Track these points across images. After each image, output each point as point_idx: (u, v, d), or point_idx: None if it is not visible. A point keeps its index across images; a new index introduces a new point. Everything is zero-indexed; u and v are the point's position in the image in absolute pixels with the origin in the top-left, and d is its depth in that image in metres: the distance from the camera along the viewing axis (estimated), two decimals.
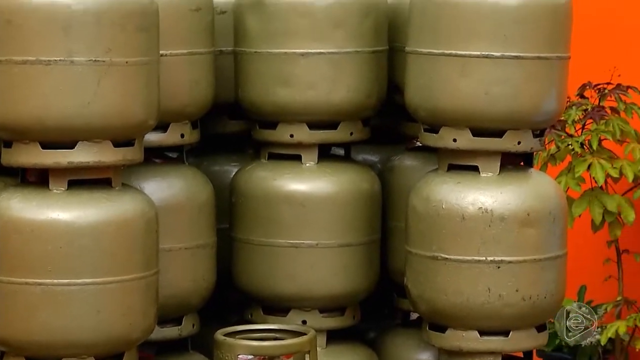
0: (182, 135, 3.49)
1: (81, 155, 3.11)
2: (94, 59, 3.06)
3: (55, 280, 3.09)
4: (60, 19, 3.03)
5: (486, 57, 3.30)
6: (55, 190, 3.15)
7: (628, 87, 5.33)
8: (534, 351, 3.61)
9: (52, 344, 3.13)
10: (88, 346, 3.14)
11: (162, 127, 3.41)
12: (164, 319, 3.43)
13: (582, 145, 5.29)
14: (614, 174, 5.13)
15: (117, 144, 3.16)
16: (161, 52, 3.25)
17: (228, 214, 3.67)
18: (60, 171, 3.14)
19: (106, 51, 3.07)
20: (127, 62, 3.10)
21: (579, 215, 5.20)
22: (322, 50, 3.49)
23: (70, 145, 3.11)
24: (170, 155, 3.60)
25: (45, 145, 3.11)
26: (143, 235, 3.20)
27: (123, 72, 3.10)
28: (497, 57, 3.30)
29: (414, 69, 3.44)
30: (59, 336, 3.12)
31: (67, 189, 3.15)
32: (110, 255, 3.13)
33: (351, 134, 3.62)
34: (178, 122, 3.48)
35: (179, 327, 3.53)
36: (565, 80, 3.43)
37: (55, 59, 3.04)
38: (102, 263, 3.12)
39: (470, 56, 3.30)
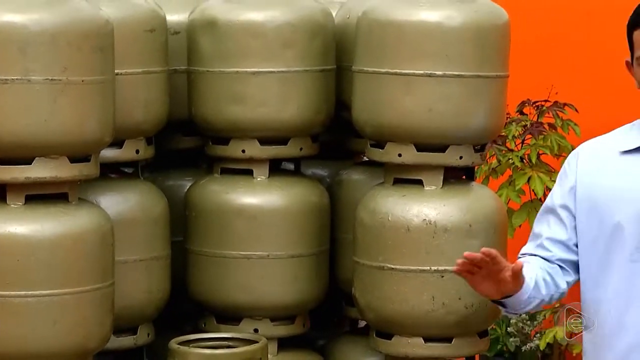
0: (137, 151, 3.46)
1: (38, 171, 3.08)
2: (50, 78, 3.03)
3: (13, 292, 3.05)
4: (17, 39, 3.00)
5: (429, 75, 3.30)
6: (12, 205, 3.11)
7: (564, 104, 5.36)
8: (477, 356, 3.61)
9: (10, 354, 3.08)
10: (46, 356, 3.10)
11: (117, 143, 3.37)
12: (119, 329, 3.39)
13: (521, 159, 5.32)
14: (552, 186, 5.15)
15: (73, 159, 3.12)
16: (117, 71, 3.22)
17: (182, 227, 3.64)
18: (17, 186, 3.10)
19: (62, 70, 3.04)
20: (83, 81, 3.08)
21: (519, 226, 5.22)
22: (272, 70, 3.47)
23: (27, 161, 3.07)
24: (126, 170, 3.57)
25: (3, 161, 3.07)
26: (99, 248, 3.16)
27: (79, 91, 3.07)
28: (439, 76, 3.30)
29: (361, 87, 3.43)
30: (17, 346, 3.07)
31: (25, 204, 3.11)
32: (67, 268, 3.09)
33: (301, 149, 3.60)
34: (133, 138, 3.44)
35: (135, 336, 3.49)
36: (504, 98, 3.44)
37: (13, 77, 3.00)
38: (59, 275, 3.08)
39: (414, 75, 3.30)
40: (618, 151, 2.76)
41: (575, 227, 2.84)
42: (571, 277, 2.90)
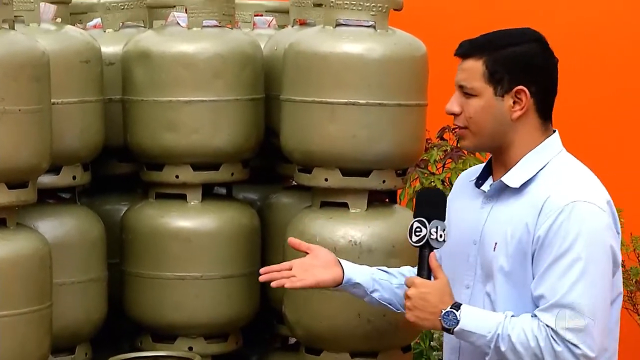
0: (74, 177, 3.41)
1: None
2: None
3: None
4: None
5: (353, 104, 3.29)
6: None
7: None
8: None
9: None
10: None
11: (55, 169, 3.32)
12: (57, 349, 3.31)
13: (443, 182, 5.33)
14: None
15: (11, 186, 3.06)
16: (53, 100, 3.17)
17: (119, 250, 3.58)
18: None
19: (0, 100, 2.98)
20: (19, 110, 3.02)
21: None
22: (204, 98, 3.44)
23: None
24: (63, 195, 3.50)
25: None
26: (37, 271, 3.10)
27: (16, 119, 3.01)
28: (362, 104, 3.29)
29: (289, 115, 3.41)
30: None
31: None
32: (5, 291, 3.02)
33: (232, 174, 3.57)
34: (70, 164, 3.39)
35: (72, 356, 3.42)
36: (423, 125, 3.44)
37: None
38: None
39: (338, 103, 3.29)
40: (470, 180, 2.72)
41: None
42: None
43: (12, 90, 3.00)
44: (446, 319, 2.48)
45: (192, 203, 3.54)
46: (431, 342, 5.47)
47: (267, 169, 3.81)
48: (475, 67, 2.54)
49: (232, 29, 3.57)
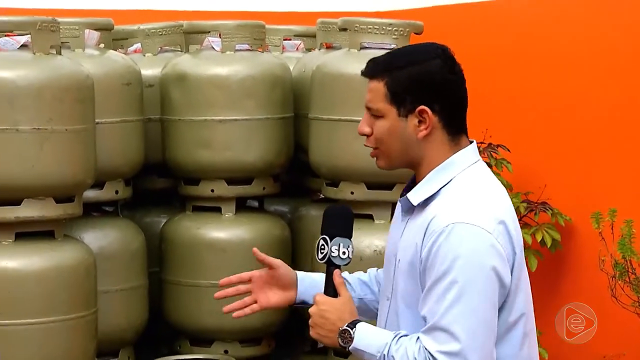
0: (117, 192, 3.44)
1: (27, 211, 3.04)
2: (37, 127, 3.00)
3: (5, 321, 3.00)
4: (6, 92, 2.98)
5: None
6: (4, 242, 3.07)
7: (498, 145, 5.38)
8: None
9: None
10: None
11: (99, 184, 3.35)
12: (102, 353, 3.34)
13: None
14: None
15: (58, 200, 3.09)
16: (97, 120, 3.20)
17: (158, 259, 3.60)
18: (8, 225, 3.06)
19: (48, 120, 3.01)
20: (66, 130, 3.05)
21: None
22: (236, 117, 3.46)
23: (17, 202, 3.04)
24: (107, 209, 3.54)
25: None
26: (83, 280, 3.13)
27: (63, 139, 3.04)
28: None
29: (316, 132, 3.43)
30: None
31: (15, 240, 3.08)
32: (54, 298, 3.05)
33: (264, 188, 3.59)
34: (113, 180, 3.42)
35: (116, 359, 3.45)
36: None
37: (3, 127, 2.98)
38: (47, 305, 3.04)
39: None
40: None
41: None
42: None
43: (59, 111, 3.03)
44: (342, 337, 2.33)
45: (226, 215, 3.56)
46: None
47: (296, 183, 3.82)
48: (378, 88, 2.39)
49: (262, 52, 3.59)
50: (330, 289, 2.39)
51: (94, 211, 3.45)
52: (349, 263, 2.38)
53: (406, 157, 2.41)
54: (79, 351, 3.12)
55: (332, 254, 2.38)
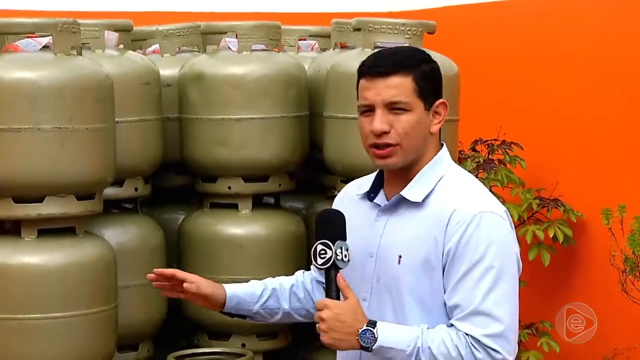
0: (136, 189, 3.46)
1: (49, 208, 3.07)
2: (58, 126, 3.03)
3: (28, 315, 3.03)
4: (28, 93, 3.00)
5: None
6: (26, 238, 3.10)
7: (512, 142, 5.38)
8: None
9: None
10: None
11: (118, 182, 3.37)
12: (122, 346, 3.36)
13: None
14: None
15: (79, 197, 3.11)
16: (116, 119, 3.22)
17: (177, 255, 3.62)
18: (30, 222, 3.09)
19: (68, 119, 3.03)
20: (87, 129, 3.07)
21: None
22: (253, 116, 3.48)
23: (39, 199, 3.06)
24: (126, 206, 3.55)
25: (17, 200, 3.06)
26: (103, 275, 3.15)
27: (83, 137, 3.07)
28: None
29: (331, 130, 3.44)
30: None
31: (37, 237, 3.10)
32: (75, 293, 3.08)
33: (280, 185, 3.60)
34: (132, 178, 3.44)
35: (136, 352, 3.47)
36: (456, 138, 3.45)
37: (25, 126, 3.00)
38: (68, 299, 3.07)
39: None
40: (357, 195, 2.54)
41: None
42: None
43: (79, 110, 3.05)
44: (364, 337, 2.30)
45: (243, 212, 3.57)
46: None
47: (311, 180, 3.83)
48: (404, 83, 2.38)
49: (278, 52, 3.60)
50: (334, 293, 2.36)
51: (114, 208, 3.47)
52: (347, 265, 2.35)
53: (418, 152, 2.40)
54: (100, 344, 3.14)
55: (337, 257, 2.34)
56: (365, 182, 2.53)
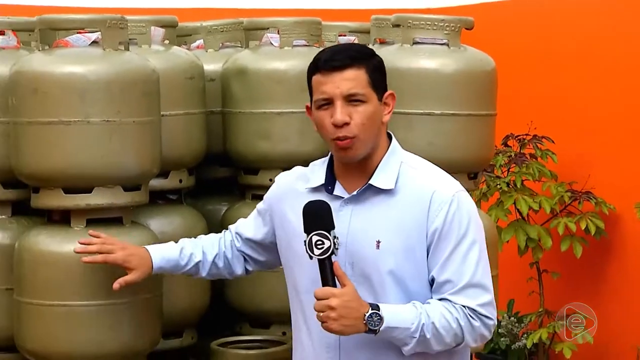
0: (181, 181, 3.46)
1: (97, 198, 3.08)
2: (106, 119, 3.03)
3: (77, 302, 3.05)
4: (77, 87, 3.01)
5: (428, 114, 3.29)
6: (75, 228, 3.11)
7: (542, 137, 5.35)
8: (474, 354, 3.57)
9: (74, 355, 3.07)
10: (104, 356, 3.09)
11: (163, 174, 3.37)
12: (167, 333, 3.37)
13: (508, 184, 5.30)
14: (535, 207, 5.13)
15: (126, 188, 3.13)
16: (162, 112, 3.23)
17: None
18: (79, 212, 3.10)
19: (116, 112, 3.04)
20: (134, 122, 3.08)
21: (507, 241, 5.19)
22: (294, 110, 3.46)
23: (87, 190, 3.08)
24: (171, 197, 3.56)
25: (67, 191, 3.08)
26: None
27: (130, 130, 3.07)
28: (437, 115, 3.29)
29: None
30: (80, 348, 3.06)
31: (86, 226, 3.11)
32: None
33: None
34: (177, 169, 3.44)
35: (180, 339, 3.48)
36: (492, 133, 3.42)
37: (74, 119, 3.01)
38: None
39: (415, 114, 3.29)
40: (306, 188, 2.61)
41: (267, 235, 2.78)
42: (251, 268, 2.88)
43: (126, 104, 3.06)
44: (371, 321, 2.36)
45: None
46: (499, 329, 5.44)
47: None
48: (359, 76, 2.46)
49: (319, 47, 3.59)
50: (331, 282, 2.39)
51: (159, 199, 3.48)
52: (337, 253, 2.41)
53: (373, 143, 2.50)
54: (145, 331, 3.15)
55: (335, 247, 2.39)
56: (309, 176, 2.61)
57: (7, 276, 3.18)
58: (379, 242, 2.44)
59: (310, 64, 2.57)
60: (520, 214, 5.21)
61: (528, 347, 5.19)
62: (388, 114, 2.56)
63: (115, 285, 2.82)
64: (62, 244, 3.06)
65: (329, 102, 2.52)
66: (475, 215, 2.52)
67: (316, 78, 2.56)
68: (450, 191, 2.48)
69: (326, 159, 2.66)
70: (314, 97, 2.58)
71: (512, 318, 5.41)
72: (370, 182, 2.49)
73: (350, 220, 2.48)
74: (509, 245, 5.16)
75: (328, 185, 2.56)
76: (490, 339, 5.35)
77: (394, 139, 2.57)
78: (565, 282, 5.23)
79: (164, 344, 3.37)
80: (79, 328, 3.05)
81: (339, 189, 2.55)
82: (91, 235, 2.90)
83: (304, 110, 3.48)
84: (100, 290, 3.05)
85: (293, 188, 2.68)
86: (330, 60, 2.52)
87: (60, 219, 3.15)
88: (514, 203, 5.17)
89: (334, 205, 2.48)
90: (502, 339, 5.40)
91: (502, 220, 5.20)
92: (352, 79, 2.47)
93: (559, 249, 5.05)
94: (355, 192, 2.51)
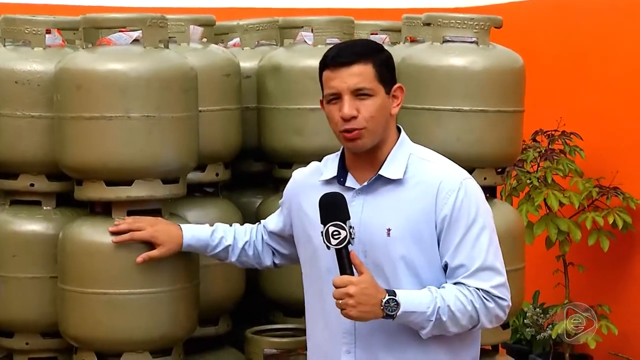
0: (217, 174, 3.49)
1: (137, 191, 3.12)
2: (146, 114, 3.07)
3: (118, 291, 3.09)
4: (119, 83, 3.05)
5: (457, 110, 3.30)
6: (117, 219, 3.15)
7: (571, 133, 5.33)
8: (500, 344, 3.58)
9: (115, 341, 3.12)
10: (144, 343, 3.13)
11: (200, 167, 3.40)
12: (204, 320, 3.41)
13: (538, 179, 5.29)
14: (565, 202, 5.12)
15: (165, 181, 3.16)
16: (200, 108, 3.26)
17: None
18: (120, 204, 3.14)
19: (156, 108, 3.08)
20: (172, 117, 3.11)
21: (539, 235, 5.19)
22: None
23: (128, 183, 3.11)
24: (208, 190, 3.59)
25: (109, 183, 3.12)
26: (186, 254, 3.17)
27: (169, 125, 3.11)
28: (466, 111, 3.29)
29: (400, 120, 3.35)
30: (121, 335, 3.11)
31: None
32: (161, 271, 3.12)
33: None
34: (213, 163, 3.47)
35: (216, 327, 3.51)
36: (520, 129, 3.42)
37: (116, 115, 3.05)
38: (155, 276, 3.11)
39: (444, 110, 3.30)
40: (319, 180, 2.66)
41: (286, 228, 2.84)
42: (278, 262, 2.94)
43: (166, 100, 3.09)
44: (388, 306, 2.40)
45: None
46: (525, 320, 5.44)
47: None
48: (366, 71, 2.50)
49: None
50: (348, 270, 2.43)
51: (196, 192, 3.51)
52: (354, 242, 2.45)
53: (383, 134, 2.55)
54: (183, 318, 3.19)
55: (352, 237, 2.43)
56: (323, 169, 2.66)
57: (52, 265, 3.23)
58: (389, 229, 2.49)
59: (320, 60, 2.63)
60: (551, 208, 5.19)
61: (553, 337, 5.18)
62: (397, 106, 2.61)
63: (139, 259, 2.91)
64: (104, 235, 3.10)
65: (337, 97, 2.58)
66: (483, 201, 2.56)
67: (326, 74, 2.63)
68: (457, 179, 2.52)
69: (338, 153, 2.71)
70: (324, 92, 2.65)
71: (538, 309, 5.41)
72: (380, 172, 2.54)
73: (362, 210, 2.53)
74: (536, 240, 5.16)
75: (340, 177, 2.61)
76: (516, 330, 5.35)
77: (402, 131, 2.62)
78: (591, 275, 5.21)
79: (201, 331, 3.40)
80: (119, 315, 3.09)
81: (350, 181, 2.59)
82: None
83: None
84: (140, 279, 3.09)
85: (308, 182, 2.73)
86: (337, 57, 2.57)
87: (102, 210, 3.20)
88: (544, 199, 5.16)
89: (346, 196, 2.53)
90: (527, 329, 5.39)
91: (533, 214, 5.19)
92: (358, 74, 2.51)
93: (586, 242, 5.03)
94: (365, 183, 2.54)
